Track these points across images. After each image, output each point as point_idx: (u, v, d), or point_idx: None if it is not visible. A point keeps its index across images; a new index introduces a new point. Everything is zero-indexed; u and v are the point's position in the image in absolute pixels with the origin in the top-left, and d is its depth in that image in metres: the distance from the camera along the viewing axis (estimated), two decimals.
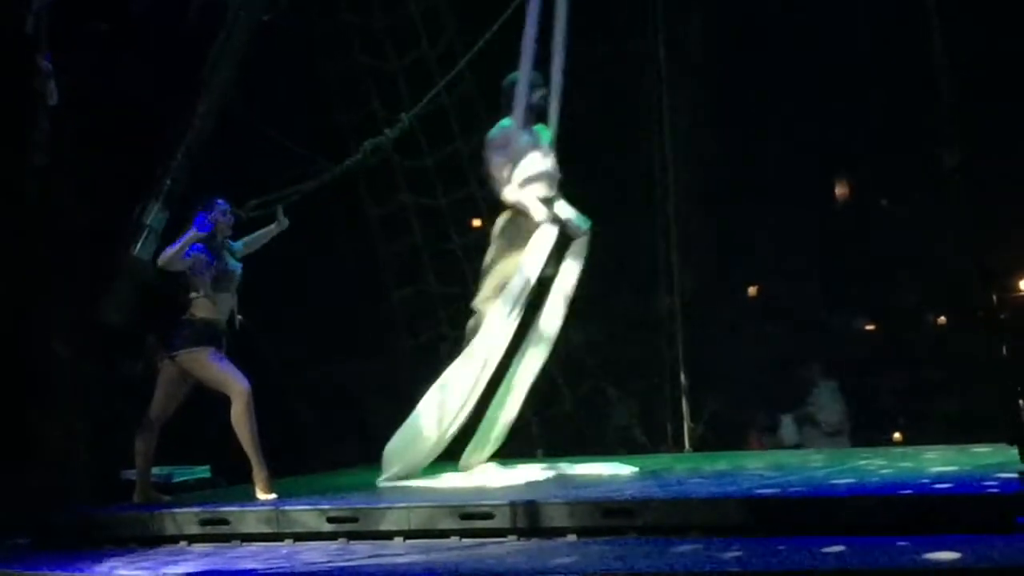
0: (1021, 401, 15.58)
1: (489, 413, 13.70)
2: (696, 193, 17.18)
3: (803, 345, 18.05)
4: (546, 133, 13.80)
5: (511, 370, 13.72)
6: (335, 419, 16.52)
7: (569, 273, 13.70)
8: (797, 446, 16.81)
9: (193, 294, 13.05)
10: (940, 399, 16.89)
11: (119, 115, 13.95)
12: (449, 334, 16.99)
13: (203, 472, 13.91)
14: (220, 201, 13.17)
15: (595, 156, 16.98)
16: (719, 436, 16.53)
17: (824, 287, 18.32)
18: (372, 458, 14.07)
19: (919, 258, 17.57)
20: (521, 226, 13.58)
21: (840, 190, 19.25)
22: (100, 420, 13.80)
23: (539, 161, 13.62)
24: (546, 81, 13.67)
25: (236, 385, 12.93)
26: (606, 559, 9.56)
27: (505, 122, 13.62)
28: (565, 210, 13.71)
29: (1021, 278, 17.26)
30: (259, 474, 12.88)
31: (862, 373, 17.80)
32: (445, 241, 16.93)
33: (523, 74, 13.44)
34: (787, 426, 17.27)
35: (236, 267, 13.32)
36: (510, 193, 13.54)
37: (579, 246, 13.76)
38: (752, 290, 18.83)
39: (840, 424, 17.07)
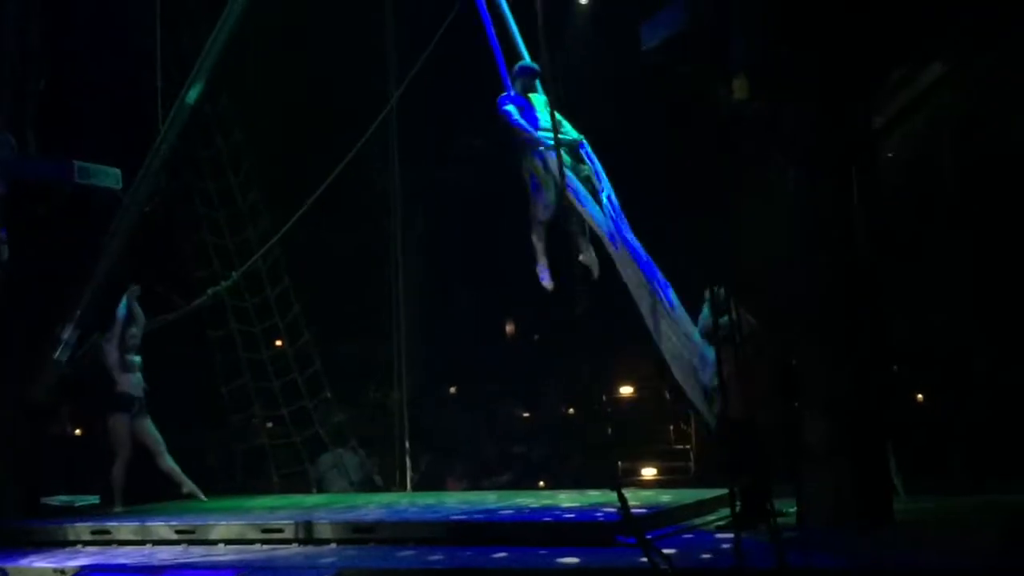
0: (619, 463, 15.92)
1: None
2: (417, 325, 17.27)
3: (480, 424, 18.30)
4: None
5: None
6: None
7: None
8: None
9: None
10: (570, 462, 16.92)
11: (47, 268, 13.82)
12: (258, 413, 16.98)
13: (94, 499, 13.68)
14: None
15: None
16: (428, 481, 16.42)
17: (501, 387, 18.65)
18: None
19: (561, 371, 17.96)
20: None
21: (509, 327, 19.66)
22: (27, 465, 13.51)
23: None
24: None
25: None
26: (354, 559, 9.64)
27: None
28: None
29: (620, 384, 17.81)
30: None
31: (526, 444, 18.03)
32: (257, 354, 16.87)
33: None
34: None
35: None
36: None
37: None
38: (452, 389, 19.12)
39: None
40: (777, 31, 9.91)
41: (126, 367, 13.40)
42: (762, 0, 10.10)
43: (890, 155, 12.57)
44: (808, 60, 9.80)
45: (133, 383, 13.41)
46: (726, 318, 10.58)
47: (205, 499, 13.31)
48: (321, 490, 16.08)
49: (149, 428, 13.49)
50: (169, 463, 13.47)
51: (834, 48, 9.77)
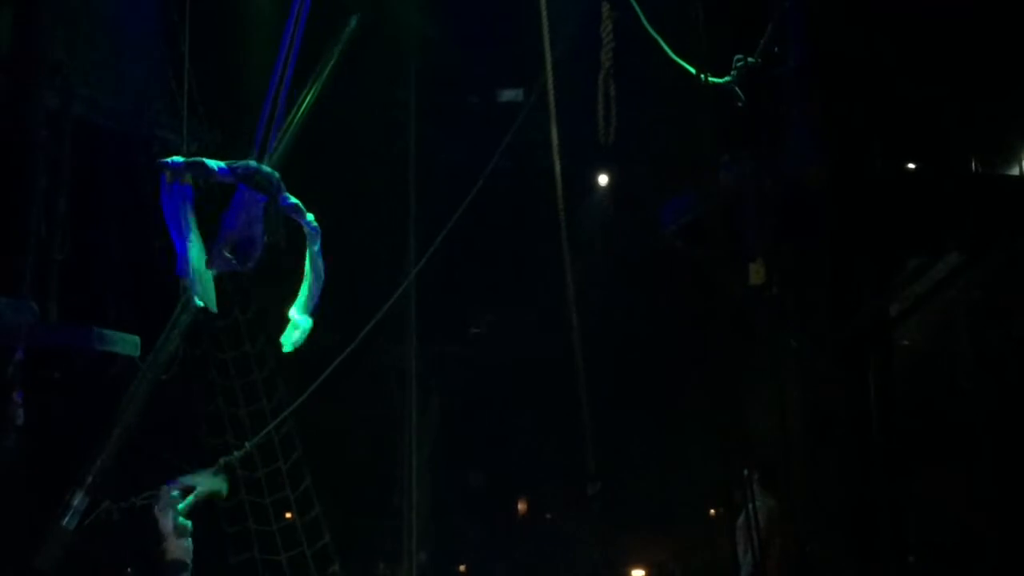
0: None
1: None
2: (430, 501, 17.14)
3: None
4: None
5: None
6: None
7: None
8: None
9: None
10: None
11: (59, 436, 13.86)
12: None
13: None
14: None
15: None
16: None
17: (512, 567, 18.44)
18: None
19: (571, 555, 17.81)
20: None
21: (522, 506, 19.60)
22: None
23: None
24: None
25: None
26: None
27: None
28: None
29: (632, 568, 17.69)
30: None
31: None
32: (267, 526, 16.74)
33: None
34: None
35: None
36: None
37: None
38: (462, 567, 18.92)
39: None
40: (788, 220, 10.08)
41: (180, 532, 13.30)
42: (774, 191, 10.29)
43: (906, 343, 12.65)
44: (820, 249, 9.96)
45: (185, 548, 13.30)
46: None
47: None
48: None
49: None
50: None
51: (847, 238, 9.94)
